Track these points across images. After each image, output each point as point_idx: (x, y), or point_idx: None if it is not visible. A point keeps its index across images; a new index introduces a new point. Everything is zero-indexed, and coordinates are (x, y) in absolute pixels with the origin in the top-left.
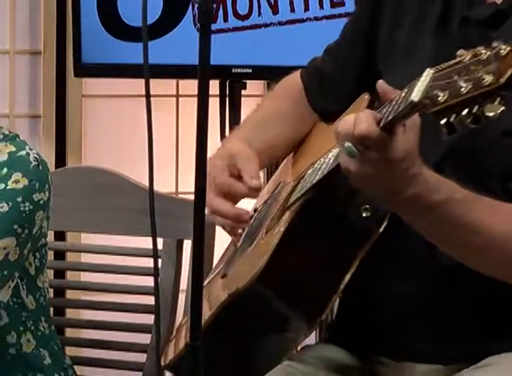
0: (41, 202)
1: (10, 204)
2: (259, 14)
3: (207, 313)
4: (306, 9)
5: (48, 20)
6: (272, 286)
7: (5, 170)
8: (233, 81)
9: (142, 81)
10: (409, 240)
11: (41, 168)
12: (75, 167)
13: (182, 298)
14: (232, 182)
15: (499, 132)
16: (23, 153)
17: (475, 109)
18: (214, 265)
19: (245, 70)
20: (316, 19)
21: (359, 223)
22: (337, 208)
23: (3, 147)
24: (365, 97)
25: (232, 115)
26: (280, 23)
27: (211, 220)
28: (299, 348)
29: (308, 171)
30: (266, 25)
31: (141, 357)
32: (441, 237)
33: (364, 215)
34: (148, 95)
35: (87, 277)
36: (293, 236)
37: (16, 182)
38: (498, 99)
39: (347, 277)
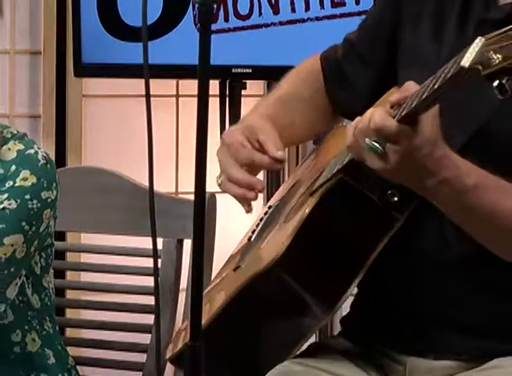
0: (49, 200)
1: (18, 201)
2: (260, 14)
3: (218, 303)
4: (307, 9)
5: (48, 20)
6: (292, 267)
7: (13, 167)
8: (233, 81)
9: (142, 81)
10: (427, 232)
11: (49, 166)
12: (75, 167)
13: (182, 298)
14: (255, 153)
15: None
16: (32, 151)
17: None
18: (213, 265)
19: (245, 70)
20: (317, 19)
21: (385, 208)
22: (363, 192)
23: (12, 146)
24: (395, 92)
25: (232, 115)
26: (281, 23)
27: (226, 189)
28: (306, 345)
29: (332, 160)
30: (267, 25)
31: (141, 357)
32: (476, 224)
33: (391, 199)
34: (148, 95)
35: (87, 277)
36: (316, 219)
37: (24, 179)
38: None
39: (367, 264)
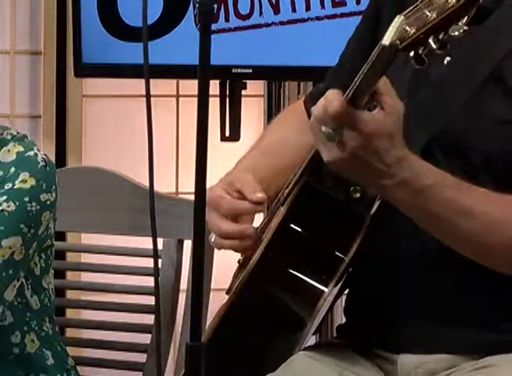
0: (48, 203)
1: (17, 203)
2: (260, 14)
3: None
4: (307, 8)
5: (49, 20)
6: (267, 275)
7: (12, 169)
8: (233, 81)
9: (142, 81)
10: (402, 231)
11: (48, 168)
12: (75, 167)
13: (182, 299)
14: (235, 201)
15: (495, 120)
16: (31, 153)
17: (441, 35)
18: (213, 265)
19: (245, 70)
20: (318, 18)
21: (351, 206)
22: (326, 192)
23: (11, 147)
24: None
25: (232, 115)
26: (282, 23)
27: (220, 246)
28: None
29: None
30: (268, 25)
31: (141, 357)
32: (435, 224)
33: (354, 196)
34: (148, 95)
35: (87, 277)
36: (286, 227)
37: (24, 181)
38: (463, 20)
39: (345, 263)
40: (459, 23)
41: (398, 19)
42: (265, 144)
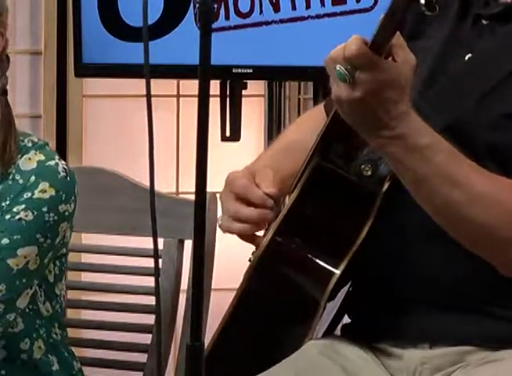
0: (66, 213)
1: (35, 213)
2: (260, 12)
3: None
4: (307, 6)
5: (49, 20)
6: (278, 260)
7: (32, 178)
8: (234, 81)
9: (143, 81)
10: (409, 219)
11: (68, 179)
12: (76, 167)
13: (182, 299)
14: (250, 185)
15: (506, 113)
16: (53, 162)
17: None
18: (214, 265)
19: (245, 70)
20: (318, 16)
21: (362, 184)
22: (337, 171)
23: (32, 155)
24: None
25: (233, 115)
26: (282, 21)
27: (230, 228)
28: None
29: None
30: (268, 23)
31: (141, 357)
32: (421, 188)
33: (365, 174)
34: (148, 95)
35: (87, 277)
36: (299, 208)
37: (43, 191)
38: None
39: (358, 243)
40: None
41: None
42: (284, 144)
